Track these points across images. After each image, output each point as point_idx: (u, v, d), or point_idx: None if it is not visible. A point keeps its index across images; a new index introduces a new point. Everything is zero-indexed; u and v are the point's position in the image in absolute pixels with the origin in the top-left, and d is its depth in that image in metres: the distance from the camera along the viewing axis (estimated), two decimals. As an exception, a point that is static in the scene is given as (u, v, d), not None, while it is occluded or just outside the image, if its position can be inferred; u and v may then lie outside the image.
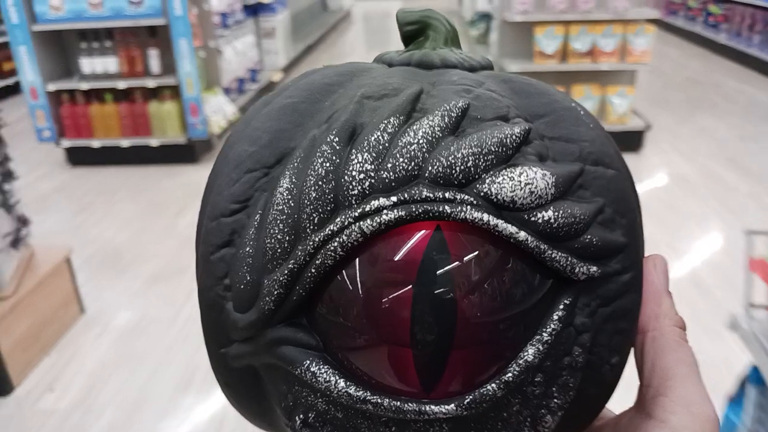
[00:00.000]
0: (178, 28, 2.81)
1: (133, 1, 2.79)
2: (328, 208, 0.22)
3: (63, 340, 1.81)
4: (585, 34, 2.83)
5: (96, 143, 3.09)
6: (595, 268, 0.23)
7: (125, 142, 3.07)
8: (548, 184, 0.22)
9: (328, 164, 0.22)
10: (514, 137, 0.22)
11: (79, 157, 3.19)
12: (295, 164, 0.23)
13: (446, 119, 0.22)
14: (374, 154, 0.22)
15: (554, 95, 0.25)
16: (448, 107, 0.23)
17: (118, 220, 2.56)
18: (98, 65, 2.95)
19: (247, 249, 0.23)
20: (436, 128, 0.22)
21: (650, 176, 2.82)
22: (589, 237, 0.22)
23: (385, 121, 0.22)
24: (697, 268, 2.08)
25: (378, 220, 0.21)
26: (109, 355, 1.76)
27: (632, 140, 3.01)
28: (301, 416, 0.23)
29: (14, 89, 4.50)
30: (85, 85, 2.97)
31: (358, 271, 0.22)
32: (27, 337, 1.69)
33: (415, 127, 0.22)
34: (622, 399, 0.28)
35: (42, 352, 1.75)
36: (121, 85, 2.95)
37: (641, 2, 2.91)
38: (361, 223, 0.21)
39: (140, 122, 3.06)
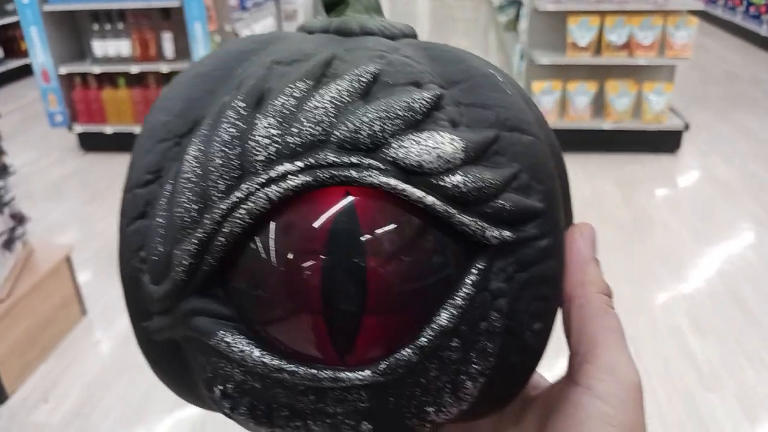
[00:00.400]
0: (192, 11, 2.69)
1: (147, -18, 2.67)
2: (234, 175, 0.21)
3: (62, 345, 1.73)
4: (621, 26, 2.66)
5: (109, 129, 2.99)
6: (508, 233, 0.22)
7: (138, 129, 2.96)
8: (456, 149, 0.22)
9: (233, 130, 0.22)
10: (423, 102, 0.22)
11: (91, 143, 3.10)
12: (203, 131, 0.22)
13: (355, 83, 0.22)
14: (280, 119, 0.22)
15: (472, 62, 0.25)
16: (357, 72, 0.23)
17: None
18: (111, 48, 2.85)
19: (159, 220, 0.23)
20: (344, 92, 0.22)
21: (688, 180, 2.66)
22: (501, 202, 0.22)
23: (292, 85, 0.22)
24: (738, 285, 1.93)
25: (284, 186, 0.21)
26: (110, 361, 1.67)
27: (669, 141, 2.84)
28: (220, 387, 0.23)
29: (30, 70, 4.43)
30: (97, 69, 2.87)
31: (267, 239, 0.22)
32: (23, 342, 1.60)
33: (321, 91, 0.22)
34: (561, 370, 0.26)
35: (39, 358, 1.66)
36: (134, 69, 2.85)
37: (684, -8, 2.72)
38: (267, 189, 0.21)
39: (153, 108, 2.95)
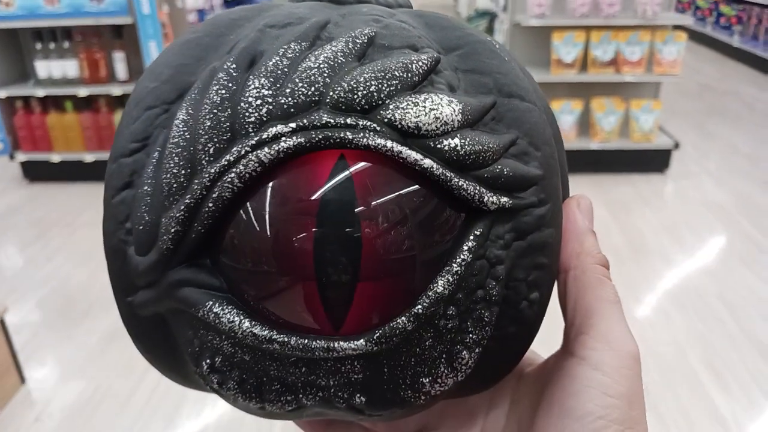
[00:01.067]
0: (146, 29, 2.45)
1: (94, -3, 2.43)
2: (225, 138, 0.21)
3: (-4, 422, 1.47)
4: (608, 42, 2.52)
5: (56, 157, 2.72)
6: (506, 199, 0.22)
7: (89, 157, 2.71)
8: (454, 111, 0.21)
9: (223, 91, 0.21)
10: (421, 63, 0.22)
11: (36, 173, 2.82)
12: (193, 95, 0.22)
13: (350, 45, 0.22)
14: (272, 80, 0.21)
15: (468, 29, 0.25)
16: (353, 34, 0.22)
17: (77, 253, 2.21)
18: (56, 69, 2.58)
19: (146, 188, 0.22)
20: (339, 53, 0.21)
21: (679, 202, 2.52)
22: (499, 167, 0.22)
23: (286, 46, 0.21)
24: (754, 326, 1.78)
25: (276, 148, 0.20)
26: (52, 442, 1.43)
27: (658, 160, 2.71)
28: (208, 361, 0.22)
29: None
30: (41, 92, 2.60)
31: (258, 204, 0.21)
32: (-54, 426, 1.35)
33: (316, 53, 0.21)
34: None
35: (-34, 442, 1.41)
36: (83, 92, 2.59)
37: (668, 6, 2.60)
38: (259, 151, 0.20)
39: (105, 134, 2.69)
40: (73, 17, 2.47)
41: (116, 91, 2.59)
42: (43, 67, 2.58)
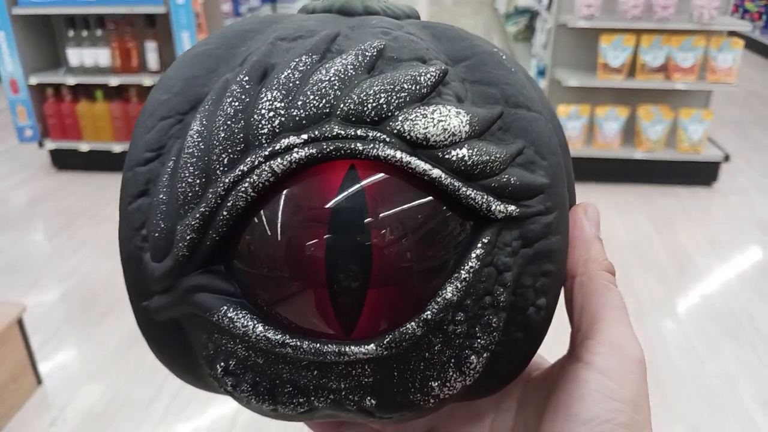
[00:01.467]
0: (180, 19, 2.39)
1: (129, -16, 2.38)
2: (238, 149, 0.21)
3: (12, 424, 1.42)
4: (659, 46, 2.39)
5: (84, 146, 2.69)
6: (513, 207, 0.22)
7: (117, 147, 2.67)
8: (462, 122, 0.22)
9: (237, 103, 0.22)
10: (429, 75, 0.22)
11: (65, 161, 2.79)
12: (207, 107, 0.22)
13: (360, 58, 0.22)
14: (284, 92, 0.21)
15: (475, 40, 0.25)
16: (363, 47, 0.22)
17: (102, 245, 2.16)
18: (87, 57, 2.54)
19: (161, 196, 0.22)
20: (349, 66, 0.22)
21: (727, 218, 2.39)
22: (507, 176, 0.22)
23: (297, 59, 0.22)
24: (810, 356, 1.66)
25: (288, 159, 0.21)
26: (68, 449, 1.38)
27: (705, 172, 2.58)
28: (222, 364, 0.23)
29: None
30: (72, 80, 2.56)
31: (271, 213, 0.21)
32: (-40, 428, 1.30)
33: (327, 65, 0.22)
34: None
35: (-20, 445, 1.36)
36: (114, 81, 2.54)
37: (725, 10, 2.46)
38: (272, 162, 0.21)
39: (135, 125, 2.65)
40: (107, 5, 2.42)
41: (147, 81, 2.53)
42: (75, 55, 2.54)
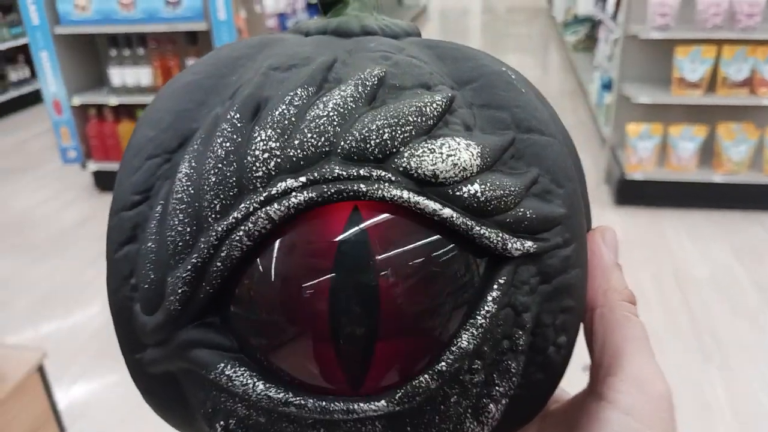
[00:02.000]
0: (222, 35, 2.28)
1: (170, 1, 2.29)
2: (231, 194, 0.20)
3: (29, 482, 1.31)
4: (743, 58, 2.15)
5: (126, 167, 2.61)
6: (530, 243, 0.21)
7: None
8: (473, 155, 0.20)
9: (228, 144, 0.20)
10: (435, 105, 0.21)
11: (107, 182, 2.73)
12: (196, 146, 0.21)
13: (360, 89, 0.21)
14: (279, 130, 0.20)
15: (482, 59, 0.24)
16: (362, 76, 0.21)
17: (138, 275, 2.07)
18: (129, 76, 2.46)
19: (150, 244, 0.21)
20: (348, 99, 0.20)
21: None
22: (522, 210, 0.21)
23: (292, 93, 0.21)
24: None
25: (286, 204, 0.19)
26: None
27: (795, 197, 2.30)
28: (222, 423, 0.21)
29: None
30: (114, 100, 2.49)
31: (268, 262, 0.20)
32: (-29, 490, 1.20)
33: (325, 99, 0.20)
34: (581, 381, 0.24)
35: (-6, 507, 1.25)
36: (156, 101, 2.46)
37: (820, 16, 2.20)
38: (268, 208, 0.20)
39: (177, 145, 2.57)
40: (148, 23, 2.34)
41: (189, 101, 2.44)
42: (117, 74, 2.47)
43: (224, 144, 0.20)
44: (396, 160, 0.20)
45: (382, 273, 0.20)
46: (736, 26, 2.11)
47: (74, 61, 2.55)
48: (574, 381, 0.26)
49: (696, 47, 2.15)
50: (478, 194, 0.20)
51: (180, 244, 0.20)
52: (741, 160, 2.25)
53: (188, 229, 0.20)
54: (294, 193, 0.20)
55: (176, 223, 0.20)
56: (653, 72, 2.35)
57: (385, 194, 0.20)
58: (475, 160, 0.20)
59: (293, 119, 0.20)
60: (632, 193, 2.36)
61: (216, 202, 0.20)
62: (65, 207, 2.66)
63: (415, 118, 0.20)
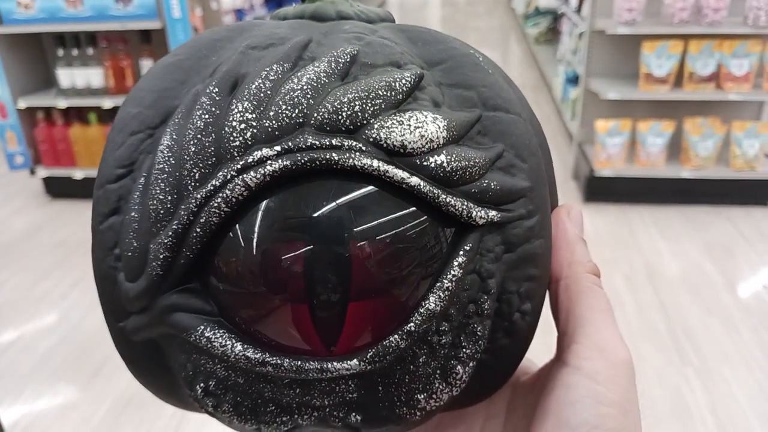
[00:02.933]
0: (177, 34, 2.18)
1: (120, -2, 2.16)
2: (210, 163, 0.21)
3: None
4: (709, 53, 2.14)
5: (78, 173, 2.49)
6: (494, 212, 0.22)
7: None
8: (439, 128, 0.21)
9: (207, 116, 0.21)
10: (404, 81, 0.22)
11: (59, 189, 2.59)
12: (177, 120, 0.22)
13: (333, 65, 0.22)
14: (255, 103, 0.21)
15: (452, 43, 0.25)
16: (335, 53, 0.22)
17: (95, 288, 1.95)
18: (79, 78, 2.33)
19: (133, 214, 0.22)
20: (321, 74, 0.21)
21: (790, 243, 2.13)
22: (487, 181, 0.22)
23: (268, 69, 0.22)
24: None
25: (262, 172, 0.20)
26: None
27: (761, 191, 2.31)
28: (202, 385, 0.22)
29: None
30: (63, 102, 2.36)
31: (246, 228, 0.21)
32: None
33: (299, 74, 0.22)
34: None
35: None
36: (108, 103, 2.33)
37: (782, 10, 2.20)
38: (244, 175, 0.20)
39: (132, 149, 2.44)
40: (98, 21, 2.22)
41: (144, 103, 2.32)
42: (66, 76, 2.33)
43: (203, 116, 0.21)
44: (366, 131, 0.21)
45: (353, 239, 0.20)
46: (703, 21, 2.10)
47: (19, 62, 2.40)
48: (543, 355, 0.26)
49: (663, 42, 2.13)
50: (444, 164, 0.21)
51: (161, 212, 0.21)
52: (708, 155, 2.25)
53: (169, 198, 0.21)
54: (269, 162, 0.20)
55: (158, 192, 0.21)
56: (620, 67, 2.33)
57: (356, 163, 0.20)
58: (441, 132, 0.21)
59: (269, 92, 0.21)
60: (601, 190, 2.34)
61: (195, 171, 0.21)
62: (13, 215, 2.51)
63: (385, 92, 0.21)
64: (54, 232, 2.36)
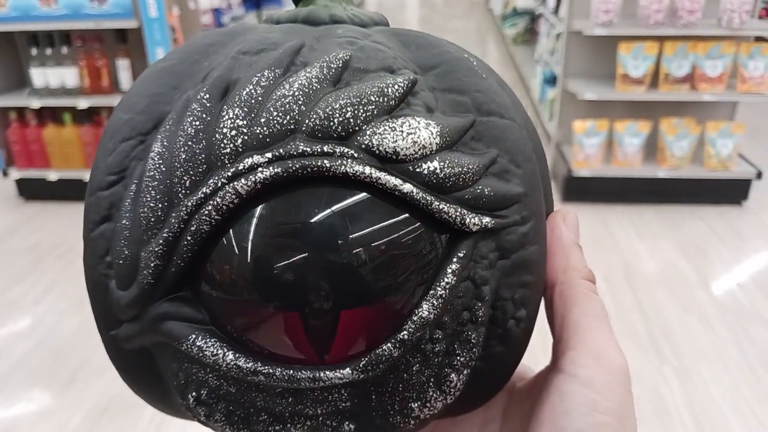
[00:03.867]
0: (153, 34, 2.15)
1: (95, -3, 2.13)
2: (200, 170, 0.21)
3: None
4: (684, 54, 2.17)
5: (53, 175, 2.44)
6: (488, 219, 0.22)
7: (89, 175, 2.42)
8: (432, 134, 0.21)
9: (198, 123, 0.21)
10: (397, 87, 0.22)
11: (33, 191, 2.54)
12: (168, 127, 0.22)
13: (325, 70, 0.22)
14: (246, 109, 0.21)
15: (445, 47, 0.25)
16: (328, 59, 0.22)
17: (72, 292, 1.92)
18: (53, 77, 2.28)
19: (124, 222, 0.22)
20: (313, 80, 0.21)
21: (758, 242, 2.17)
22: (480, 187, 0.22)
23: (259, 75, 0.21)
24: None
25: (253, 179, 0.20)
26: None
27: (734, 191, 2.35)
28: (194, 394, 0.22)
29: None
30: (36, 102, 2.31)
31: (237, 236, 0.21)
32: None
33: (291, 80, 0.21)
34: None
35: None
36: (83, 103, 2.29)
37: (755, 13, 2.24)
38: (235, 183, 0.20)
39: (108, 150, 2.41)
40: (72, 20, 2.18)
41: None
42: (40, 75, 2.28)
43: (194, 123, 0.21)
44: (359, 137, 0.21)
45: (346, 246, 0.20)
46: (678, 22, 2.13)
47: (-10, 62, 2.35)
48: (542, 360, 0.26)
49: (639, 44, 2.16)
50: (437, 171, 0.21)
51: (152, 219, 0.21)
52: (683, 155, 2.28)
53: (160, 205, 0.21)
54: (260, 169, 0.20)
55: (149, 199, 0.21)
56: (597, 68, 2.35)
57: (348, 170, 0.20)
58: (434, 138, 0.21)
59: (260, 98, 0.21)
60: (579, 190, 2.36)
61: (186, 178, 0.21)
62: (-14, 218, 2.46)
63: (377, 98, 0.21)
64: (27, 235, 2.31)
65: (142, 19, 2.13)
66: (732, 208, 2.36)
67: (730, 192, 2.35)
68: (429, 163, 0.21)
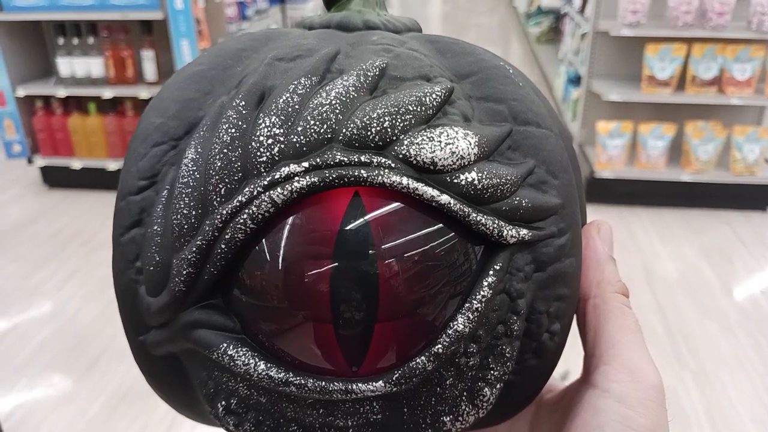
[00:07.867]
0: (179, 25, 2.16)
1: (123, -12, 2.15)
2: (236, 178, 0.20)
3: None
4: (712, 57, 2.14)
5: (77, 163, 2.47)
6: (525, 231, 0.22)
7: (112, 165, 2.45)
8: (470, 144, 0.21)
9: (233, 130, 0.21)
10: (434, 96, 0.21)
11: (57, 179, 2.57)
12: (202, 133, 0.21)
13: (362, 79, 0.21)
14: (283, 117, 0.21)
15: (481, 54, 0.24)
16: (364, 66, 0.22)
17: (93, 280, 1.94)
18: (79, 67, 2.31)
19: (155, 228, 0.22)
20: (350, 88, 0.21)
21: (788, 249, 2.14)
22: (518, 199, 0.22)
23: (296, 82, 0.21)
24: None
25: (289, 188, 0.20)
26: None
27: (760, 196, 2.32)
28: (223, 403, 0.22)
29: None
30: (62, 91, 2.34)
31: (271, 245, 0.21)
32: None
33: (328, 88, 0.21)
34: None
35: None
36: (108, 93, 2.32)
37: (786, 15, 2.20)
38: (271, 192, 0.20)
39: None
40: (99, 10, 2.20)
41: (144, 93, 2.31)
42: (66, 65, 2.31)
43: (230, 130, 0.21)
44: (396, 147, 0.20)
45: (381, 257, 0.20)
46: (707, 24, 2.10)
47: (19, 50, 2.38)
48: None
49: (666, 45, 2.13)
50: (475, 182, 0.21)
51: (185, 227, 0.21)
52: (708, 159, 2.25)
53: (194, 213, 0.21)
54: (296, 178, 0.20)
55: (182, 206, 0.21)
56: (622, 69, 2.32)
57: (385, 180, 0.20)
58: (472, 149, 0.21)
59: (297, 107, 0.21)
60: (601, 191, 2.34)
61: (221, 186, 0.20)
62: (10, 204, 2.50)
63: (414, 108, 0.21)
64: (50, 222, 2.34)
65: (168, 10, 2.14)
66: (757, 214, 2.32)
67: (756, 197, 2.31)
68: (467, 173, 0.21)
